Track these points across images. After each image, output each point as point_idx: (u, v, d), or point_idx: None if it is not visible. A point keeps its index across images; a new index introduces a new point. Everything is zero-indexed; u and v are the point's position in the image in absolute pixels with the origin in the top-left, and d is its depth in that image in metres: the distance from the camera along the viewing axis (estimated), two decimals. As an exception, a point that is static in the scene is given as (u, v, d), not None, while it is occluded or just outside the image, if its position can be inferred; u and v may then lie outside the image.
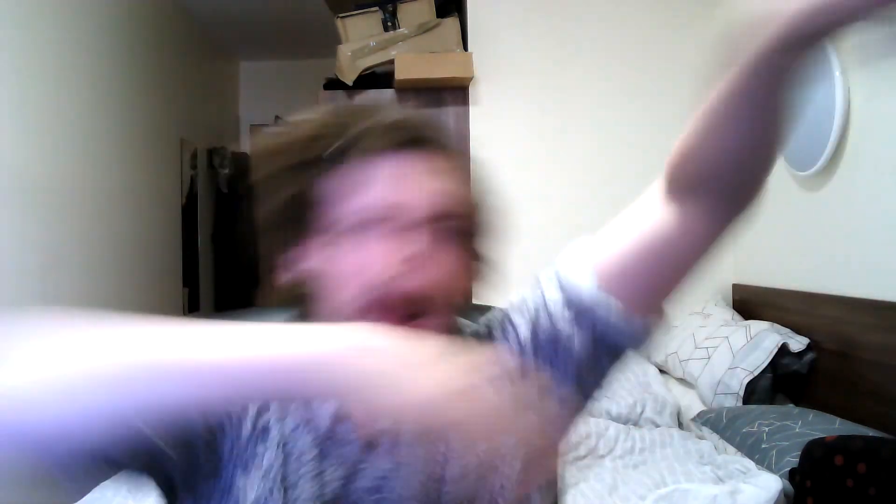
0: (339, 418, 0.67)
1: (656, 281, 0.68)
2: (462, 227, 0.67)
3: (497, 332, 0.75)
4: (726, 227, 0.67)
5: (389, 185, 0.64)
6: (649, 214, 0.67)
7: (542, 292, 0.72)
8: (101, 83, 3.11)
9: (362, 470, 0.66)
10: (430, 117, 0.70)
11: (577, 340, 0.68)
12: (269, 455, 0.66)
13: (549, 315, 0.70)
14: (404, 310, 0.63)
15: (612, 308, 0.66)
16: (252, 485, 0.65)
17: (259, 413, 0.66)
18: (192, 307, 4.38)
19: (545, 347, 0.70)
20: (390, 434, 0.66)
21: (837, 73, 2.07)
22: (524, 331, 0.72)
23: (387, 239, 0.63)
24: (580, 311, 0.67)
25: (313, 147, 0.66)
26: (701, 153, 0.62)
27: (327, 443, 0.66)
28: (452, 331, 0.70)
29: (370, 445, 0.66)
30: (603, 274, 0.67)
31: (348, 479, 0.66)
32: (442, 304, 0.65)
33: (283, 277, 0.67)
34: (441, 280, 0.64)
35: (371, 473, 0.66)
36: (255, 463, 0.65)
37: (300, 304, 0.68)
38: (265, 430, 0.66)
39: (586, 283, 0.67)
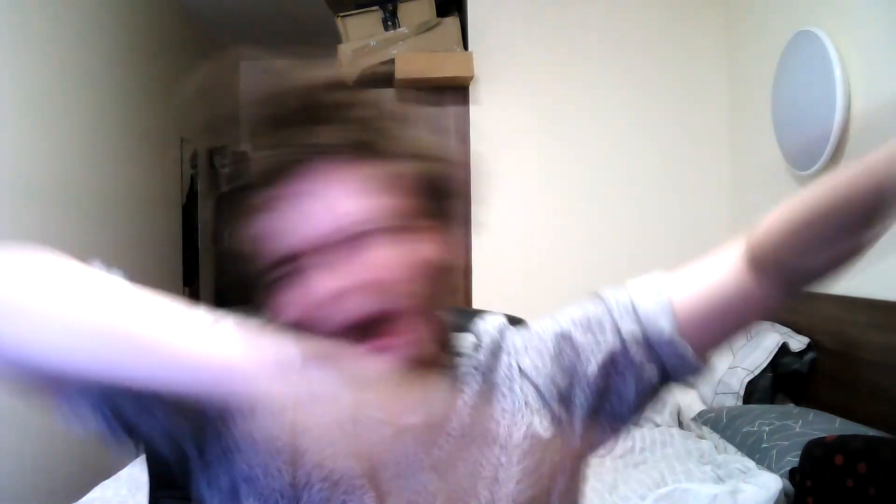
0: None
1: (718, 333, 0.73)
2: (402, 224, 0.65)
3: (507, 359, 0.75)
4: (791, 301, 0.71)
5: (297, 221, 0.62)
6: (726, 273, 0.71)
7: (612, 320, 0.73)
8: (101, 83, 3.10)
9: (390, 458, 0.67)
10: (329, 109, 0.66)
11: (644, 374, 0.72)
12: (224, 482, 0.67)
13: (622, 342, 0.72)
14: (369, 330, 0.62)
15: (684, 353, 0.71)
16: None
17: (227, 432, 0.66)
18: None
19: (608, 373, 0.73)
20: (418, 426, 0.67)
21: (838, 73, 2.07)
22: (594, 357, 0.73)
23: (333, 265, 0.62)
24: (655, 349, 0.71)
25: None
26: (793, 249, 0.67)
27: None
28: (437, 345, 0.69)
29: (396, 435, 0.67)
30: (680, 318, 0.70)
31: (376, 465, 0.67)
32: (404, 311, 0.64)
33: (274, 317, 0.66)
34: (385, 287, 0.62)
35: (396, 462, 0.67)
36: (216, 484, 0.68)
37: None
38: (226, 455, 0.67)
39: (666, 325, 0.70)
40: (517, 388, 0.73)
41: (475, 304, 2.79)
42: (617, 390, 0.73)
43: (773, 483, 1.58)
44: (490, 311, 0.84)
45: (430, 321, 0.67)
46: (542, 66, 2.95)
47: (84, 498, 1.72)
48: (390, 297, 0.63)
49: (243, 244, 0.65)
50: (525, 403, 0.72)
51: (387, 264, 0.63)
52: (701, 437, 2.13)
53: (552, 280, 2.91)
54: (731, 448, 1.93)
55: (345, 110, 0.66)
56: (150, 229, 3.65)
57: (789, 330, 2.30)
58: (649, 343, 0.71)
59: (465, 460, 0.69)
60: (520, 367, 0.74)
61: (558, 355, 0.74)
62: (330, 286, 0.61)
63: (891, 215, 0.62)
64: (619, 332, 0.72)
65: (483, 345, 0.76)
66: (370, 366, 0.59)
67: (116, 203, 3.21)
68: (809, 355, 2.23)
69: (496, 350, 0.76)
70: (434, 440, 0.69)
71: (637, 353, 0.71)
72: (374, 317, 0.62)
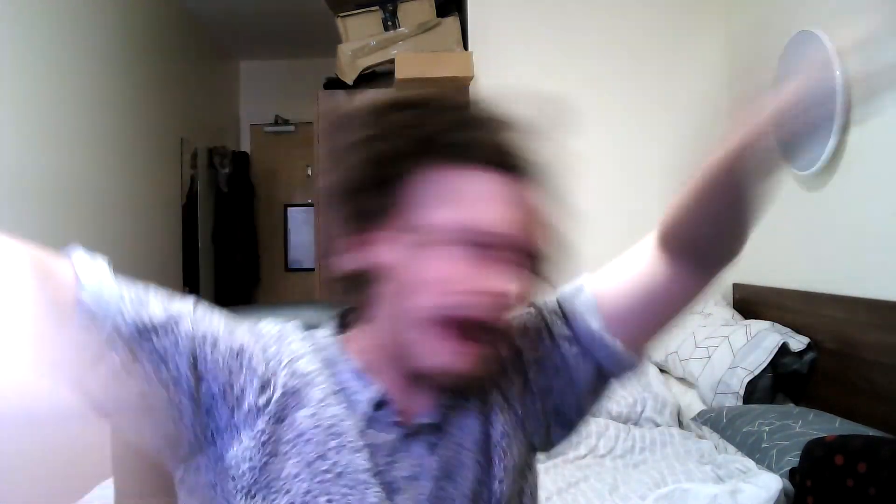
0: (379, 403, 0.68)
1: (647, 325, 0.75)
2: (536, 263, 0.70)
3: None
4: (704, 285, 0.73)
5: (487, 209, 0.65)
6: (645, 263, 0.74)
7: (546, 324, 0.76)
8: (102, 83, 3.11)
9: (401, 457, 0.68)
10: (532, 142, 0.72)
11: (581, 374, 0.74)
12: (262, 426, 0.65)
13: (556, 347, 0.75)
14: (467, 331, 0.64)
15: (616, 348, 0.73)
16: (244, 453, 0.64)
17: (262, 388, 0.66)
18: (192, 307, 4.38)
19: (549, 377, 0.75)
20: (431, 428, 0.70)
21: (838, 73, 2.06)
22: (533, 360, 0.76)
23: (474, 262, 0.64)
24: (587, 348, 0.74)
25: (416, 132, 0.66)
26: (687, 223, 0.71)
27: (367, 424, 0.68)
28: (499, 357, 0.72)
29: (409, 435, 0.69)
30: (606, 314, 0.73)
31: (387, 462, 0.67)
32: (501, 336, 0.68)
33: (348, 262, 0.68)
34: (510, 314, 0.66)
35: (408, 461, 0.68)
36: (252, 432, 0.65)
37: (358, 292, 0.69)
38: (266, 405, 0.66)
39: (594, 323, 0.73)
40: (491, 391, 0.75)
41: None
42: (559, 390, 0.75)
43: (773, 483, 1.58)
44: None
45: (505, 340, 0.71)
46: (541, 66, 2.95)
47: (84, 498, 1.72)
48: (503, 314, 0.66)
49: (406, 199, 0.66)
50: (497, 405, 0.74)
51: (517, 284, 0.66)
52: (701, 437, 2.13)
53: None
54: (731, 448, 1.93)
55: (520, 131, 0.70)
56: (150, 229, 3.65)
57: (789, 330, 2.30)
58: (580, 342, 0.74)
59: (462, 463, 0.70)
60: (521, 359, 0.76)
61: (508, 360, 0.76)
62: (489, 282, 0.64)
63: (754, 187, 0.66)
64: (551, 334, 0.75)
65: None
66: (450, 365, 0.64)
67: (116, 203, 3.21)
68: (809, 355, 2.23)
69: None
70: (441, 443, 0.70)
71: (570, 354, 0.74)
72: (483, 323, 0.65)
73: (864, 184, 2.04)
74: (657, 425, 2.30)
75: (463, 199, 0.65)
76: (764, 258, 2.68)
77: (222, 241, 4.94)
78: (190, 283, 4.37)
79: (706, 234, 0.70)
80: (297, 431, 0.65)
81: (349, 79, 2.78)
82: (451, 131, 0.65)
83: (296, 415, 0.66)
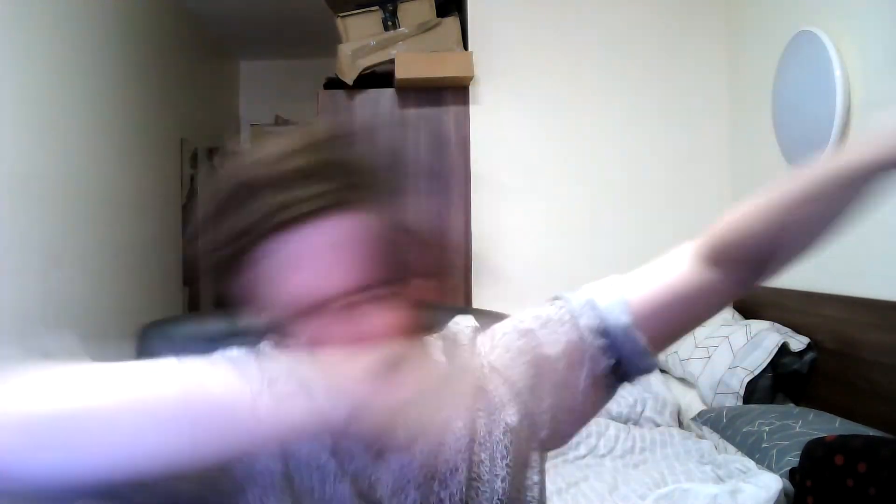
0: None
1: (674, 328, 0.77)
2: (409, 283, 0.64)
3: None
4: (747, 292, 0.76)
5: (307, 273, 0.60)
6: (682, 269, 0.76)
7: (571, 315, 0.75)
8: (101, 83, 3.10)
9: (381, 472, 0.68)
10: (352, 159, 0.64)
11: (601, 366, 0.74)
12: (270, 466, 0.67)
13: (581, 339, 0.74)
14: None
15: (640, 345, 0.73)
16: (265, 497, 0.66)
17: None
18: (192, 307, 4.39)
19: (564, 371, 0.74)
20: (398, 443, 0.68)
21: (838, 73, 2.07)
22: (552, 349, 0.74)
23: (344, 319, 0.60)
24: (613, 342, 0.74)
25: (247, 217, 0.60)
26: (759, 239, 0.73)
27: (340, 446, 0.68)
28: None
29: (379, 454, 0.68)
30: (636, 313, 0.74)
31: (368, 484, 0.68)
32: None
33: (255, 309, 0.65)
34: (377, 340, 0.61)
35: (389, 476, 0.68)
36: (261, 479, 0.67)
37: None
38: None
39: (623, 319, 0.73)
40: (490, 386, 0.74)
41: (475, 305, 2.79)
42: (572, 384, 0.75)
43: (773, 483, 1.58)
44: (461, 312, 0.85)
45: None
46: (542, 66, 2.95)
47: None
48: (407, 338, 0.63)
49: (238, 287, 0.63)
50: (499, 400, 0.73)
51: (378, 332, 0.61)
52: (701, 437, 2.13)
53: (552, 279, 2.90)
54: (731, 448, 1.93)
55: (323, 171, 0.62)
56: (149, 229, 3.65)
57: (789, 330, 2.30)
58: (607, 333, 0.74)
59: (449, 465, 0.70)
60: (491, 365, 0.75)
61: (522, 349, 0.75)
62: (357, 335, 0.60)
63: (856, 212, 0.67)
64: (577, 325, 0.74)
65: (457, 351, 0.77)
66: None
67: (116, 203, 3.21)
68: (809, 355, 2.23)
69: (471, 353, 0.77)
70: (420, 451, 0.69)
71: (593, 345, 0.74)
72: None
73: (864, 184, 2.04)
74: (657, 425, 2.30)
75: (289, 268, 0.60)
76: (764, 258, 2.68)
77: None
78: (190, 283, 4.37)
79: (783, 251, 0.72)
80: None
81: (349, 79, 2.78)
82: (279, 208, 0.59)
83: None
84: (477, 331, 0.80)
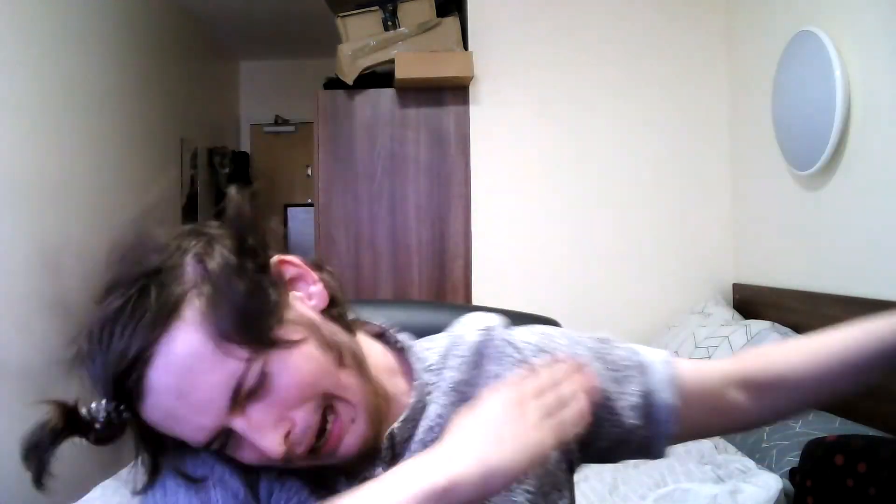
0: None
1: (701, 429, 0.79)
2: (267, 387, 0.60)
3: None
4: (776, 420, 0.82)
5: (170, 428, 0.59)
6: (723, 378, 0.77)
7: (625, 372, 0.76)
8: (102, 83, 3.10)
9: None
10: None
11: (628, 430, 0.75)
12: None
13: (616, 406, 0.74)
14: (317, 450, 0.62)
15: (670, 430, 0.75)
16: None
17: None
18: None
19: (606, 418, 0.74)
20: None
21: (838, 73, 2.07)
22: (604, 394, 0.74)
23: (235, 444, 0.60)
24: (649, 422, 0.74)
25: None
26: (798, 385, 0.76)
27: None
28: (374, 395, 0.67)
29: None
30: (682, 399, 0.74)
31: None
32: (352, 407, 0.63)
33: None
34: (308, 409, 0.60)
35: None
36: None
37: None
38: None
39: (669, 398, 0.74)
40: None
41: (475, 303, 2.79)
42: (605, 433, 0.75)
43: (773, 483, 1.57)
44: (477, 310, 0.82)
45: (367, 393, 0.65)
46: (542, 66, 2.95)
47: (84, 498, 1.72)
48: (334, 410, 0.62)
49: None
50: None
51: (297, 393, 0.60)
52: (701, 437, 2.13)
53: (552, 279, 2.91)
54: (731, 448, 1.93)
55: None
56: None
57: (789, 330, 2.30)
58: (648, 419, 0.74)
59: None
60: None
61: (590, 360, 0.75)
62: (271, 450, 0.58)
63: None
64: (628, 383, 0.75)
65: (458, 355, 0.74)
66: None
67: (117, 203, 3.21)
68: (809, 355, 2.22)
69: (477, 360, 0.75)
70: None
71: (632, 412, 0.74)
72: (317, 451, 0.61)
73: (864, 184, 2.04)
74: (657, 425, 2.30)
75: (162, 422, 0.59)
76: (764, 258, 2.68)
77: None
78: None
79: (819, 396, 0.77)
80: None
81: (349, 79, 2.78)
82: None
83: None
84: (498, 332, 0.77)
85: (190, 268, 0.59)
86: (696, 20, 2.97)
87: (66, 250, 2.76)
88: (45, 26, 2.65)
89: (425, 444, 0.68)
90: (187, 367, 0.56)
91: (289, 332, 0.60)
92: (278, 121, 5.45)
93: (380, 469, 0.67)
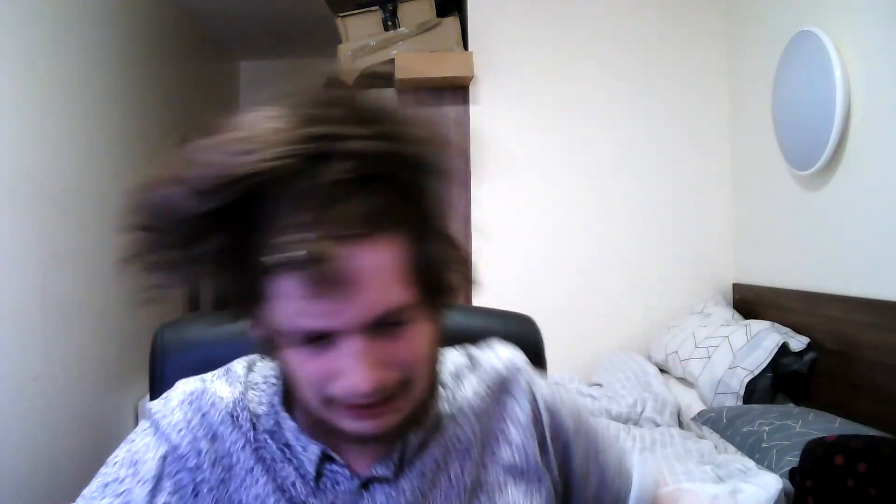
0: (324, 460, 0.67)
1: None
2: (418, 308, 0.60)
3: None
4: None
5: (315, 308, 0.55)
6: None
7: (604, 473, 0.79)
8: (101, 83, 3.10)
9: None
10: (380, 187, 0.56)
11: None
12: None
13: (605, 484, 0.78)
14: (362, 408, 0.60)
15: None
16: None
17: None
18: (192, 306, 4.38)
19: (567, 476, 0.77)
20: (383, 478, 0.67)
21: (838, 73, 2.07)
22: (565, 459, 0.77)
23: (330, 358, 0.58)
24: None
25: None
26: None
27: (320, 482, 0.66)
28: (429, 394, 0.68)
29: (365, 486, 0.67)
30: None
31: None
32: (410, 386, 0.62)
33: (250, 329, 0.63)
34: (396, 376, 0.59)
35: None
36: None
37: (272, 355, 0.65)
38: None
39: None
40: (516, 435, 0.73)
41: (475, 303, 2.78)
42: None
43: (773, 483, 1.57)
44: (503, 343, 0.82)
45: (429, 380, 0.66)
46: (542, 66, 2.95)
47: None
48: (409, 387, 0.61)
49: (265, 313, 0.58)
50: (525, 459, 0.73)
51: (413, 356, 0.61)
52: (701, 437, 2.13)
53: (552, 279, 2.91)
54: (731, 448, 1.93)
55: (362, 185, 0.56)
56: (150, 229, 3.65)
57: (789, 330, 2.31)
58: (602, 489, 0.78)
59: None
60: (539, 420, 0.75)
61: (576, 434, 0.77)
62: (361, 383, 0.57)
63: None
64: (603, 480, 0.79)
65: (484, 383, 0.75)
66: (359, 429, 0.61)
67: (116, 203, 3.21)
68: (809, 355, 2.23)
69: (500, 395, 0.75)
70: (401, 492, 0.67)
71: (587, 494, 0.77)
72: (377, 398, 0.60)
73: (864, 184, 2.04)
74: (657, 425, 2.30)
75: (296, 294, 0.55)
76: (764, 258, 2.68)
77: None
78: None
79: None
80: None
81: (349, 79, 2.78)
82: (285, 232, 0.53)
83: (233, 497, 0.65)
84: (523, 370, 0.77)
85: (426, 199, 0.60)
86: (696, 20, 2.97)
87: (66, 250, 2.76)
88: (45, 26, 2.64)
89: (439, 465, 0.69)
90: (368, 267, 0.54)
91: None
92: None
93: (383, 469, 0.67)
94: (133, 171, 3.08)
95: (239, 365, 0.73)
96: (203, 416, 0.67)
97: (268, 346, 0.62)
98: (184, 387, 0.69)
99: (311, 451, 0.66)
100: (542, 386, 0.77)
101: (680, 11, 2.97)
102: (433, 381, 0.68)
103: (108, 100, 3.16)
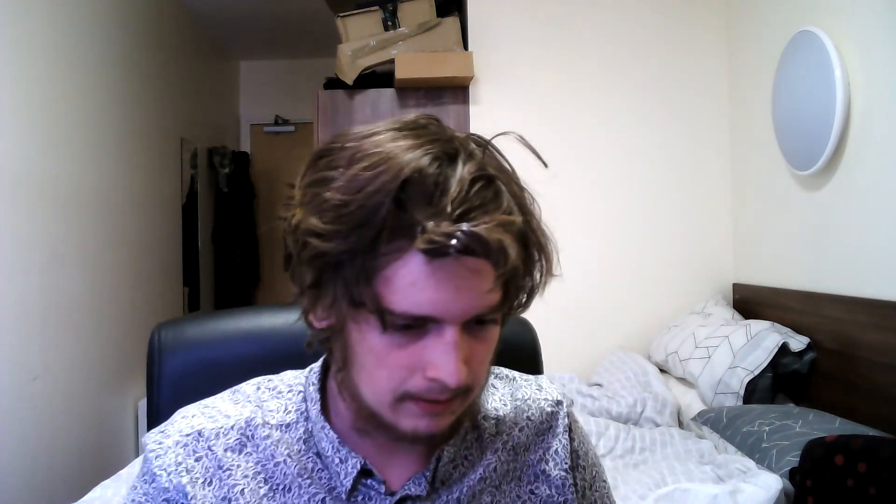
0: (363, 474, 0.66)
1: None
2: (501, 312, 0.63)
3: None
4: None
5: (433, 295, 0.56)
6: None
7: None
8: (102, 83, 3.10)
9: None
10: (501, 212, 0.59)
11: None
12: None
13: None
14: (432, 404, 0.61)
15: None
16: None
17: None
18: (192, 307, 4.39)
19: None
20: (416, 497, 0.67)
21: (838, 73, 2.07)
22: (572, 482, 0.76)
23: (419, 349, 0.59)
24: None
25: (398, 215, 0.56)
26: None
27: (352, 496, 0.66)
28: (476, 402, 0.71)
29: (400, 502, 0.67)
30: None
31: None
32: (471, 391, 0.63)
33: (316, 320, 0.63)
34: (470, 377, 0.61)
35: None
36: None
37: (329, 348, 0.66)
38: None
39: None
40: (556, 472, 0.74)
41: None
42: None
43: (773, 483, 1.57)
44: (549, 380, 0.82)
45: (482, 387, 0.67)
46: (542, 66, 2.96)
47: (84, 498, 1.72)
48: (470, 391, 0.62)
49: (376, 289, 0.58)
50: (560, 493, 0.73)
51: (486, 358, 0.63)
52: (701, 437, 2.13)
53: (552, 279, 2.90)
54: (731, 448, 1.93)
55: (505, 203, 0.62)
56: (149, 229, 3.65)
57: (789, 330, 2.31)
58: None
59: None
60: (578, 464, 0.76)
61: (592, 483, 0.77)
62: (452, 375, 0.58)
63: None
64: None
65: (528, 418, 0.75)
66: (414, 429, 0.61)
67: (117, 203, 3.21)
68: (809, 355, 2.23)
69: (542, 431, 0.76)
70: None
71: None
72: (449, 397, 0.61)
73: (864, 184, 2.04)
74: (657, 425, 2.30)
75: (409, 284, 0.57)
76: (764, 258, 2.68)
77: (222, 240, 4.94)
78: (190, 283, 4.37)
79: None
80: None
81: (349, 79, 2.78)
82: (415, 210, 0.56)
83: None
84: (566, 409, 0.78)
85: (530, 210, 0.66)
86: (696, 20, 2.97)
87: (67, 250, 2.76)
88: (45, 26, 2.64)
89: (474, 495, 0.69)
90: (476, 265, 0.56)
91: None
92: (278, 121, 5.45)
93: (416, 487, 0.67)
94: (133, 171, 3.09)
95: (247, 385, 0.72)
96: (198, 460, 0.66)
97: (329, 338, 0.63)
98: (181, 424, 0.68)
99: (350, 464, 0.66)
100: (580, 427, 0.79)
101: (680, 11, 2.97)
102: (483, 389, 0.69)
103: (108, 100, 3.16)
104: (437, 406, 0.60)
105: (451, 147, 0.59)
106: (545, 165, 0.72)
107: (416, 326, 0.58)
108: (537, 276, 0.65)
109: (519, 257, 0.59)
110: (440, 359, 0.58)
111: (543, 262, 0.65)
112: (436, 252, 0.54)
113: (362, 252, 0.56)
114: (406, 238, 0.55)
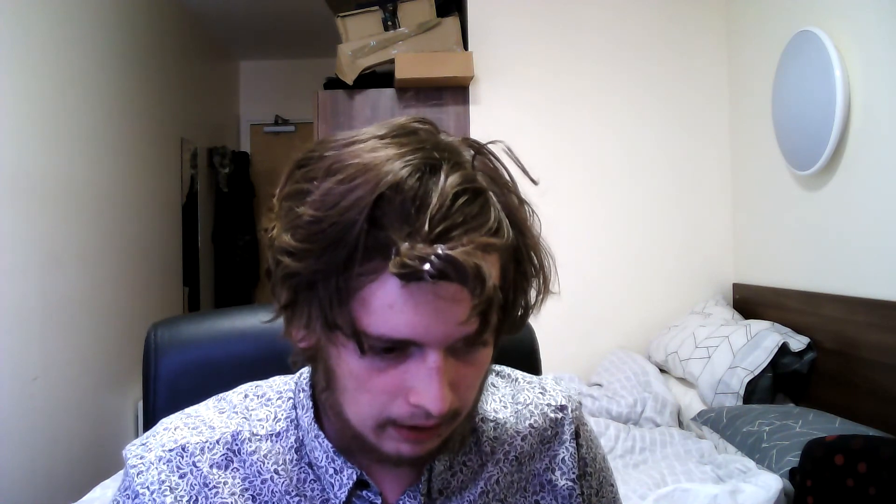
0: (358, 486, 0.64)
1: None
2: (486, 332, 0.57)
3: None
4: None
5: (412, 318, 0.53)
6: None
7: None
8: (102, 82, 3.10)
9: None
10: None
11: None
12: None
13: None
14: (414, 430, 0.58)
15: None
16: None
17: None
18: (192, 307, 4.39)
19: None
20: None
21: (838, 73, 2.06)
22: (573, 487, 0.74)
23: (401, 374, 0.56)
24: None
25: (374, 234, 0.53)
26: None
27: None
28: (467, 422, 0.66)
29: None
30: None
31: None
32: (458, 415, 0.60)
33: (297, 339, 0.60)
34: (457, 401, 0.58)
35: None
36: None
37: (313, 366, 0.64)
38: None
39: None
40: (563, 482, 0.71)
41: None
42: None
43: (773, 483, 1.57)
44: (555, 381, 0.79)
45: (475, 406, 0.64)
46: (542, 66, 2.95)
47: (84, 498, 1.72)
48: (449, 415, 0.58)
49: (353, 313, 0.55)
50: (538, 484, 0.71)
51: (474, 383, 0.60)
52: (701, 437, 2.13)
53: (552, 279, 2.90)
54: (731, 448, 1.93)
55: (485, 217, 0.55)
56: (149, 229, 3.65)
57: (789, 330, 2.30)
58: None
59: None
60: (586, 472, 0.73)
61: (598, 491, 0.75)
62: (435, 402, 0.55)
63: None
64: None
65: (531, 423, 0.72)
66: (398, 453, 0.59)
67: (117, 203, 3.21)
68: (809, 355, 2.23)
69: (548, 438, 0.73)
70: None
71: None
72: (434, 421, 0.57)
73: (864, 184, 2.04)
74: (657, 425, 2.30)
75: (385, 308, 0.53)
76: (764, 258, 2.68)
77: (222, 241, 4.94)
78: (190, 283, 4.37)
79: None
80: None
81: (349, 79, 2.78)
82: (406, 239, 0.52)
83: None
84: (576, 414, 0.75)
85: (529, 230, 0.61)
86: (696, 20, 2.97)
87: (66, 250, 2.76)
88: (45, 26, 2.64)
89: None
90: (452, 290, 0.52)
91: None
92: (278, 121, 5.45)
93: (411, 501, 0.65)
94: (133, 171, 3.09)
95: (234, 394, 0.70)
96: (182, 477, 0.63)
97: (312, 357, 0.60)
98: (163, 437, 0.65)
99: (345, 475, 0.63)
100: (590, 430, 0.77)
101: (680, 11, 2.97)
102: (475, 409, 0.65)
103: (108, 100, 3.16)
104: (421, 434, 0.58)
105: (436, 156, 0.55)
106: (535, 183, 0.67)
107: (397, 349, 0.55)
108: (532, 294, 0.61)
109: (507, 278, 0.56)
110: (422, 384, 0.54)
111: (541, 281, 0.61)
112: (409, 277, 0.50)
113: (336, 272, 0.53)
114: (381, 258, 0.51)
